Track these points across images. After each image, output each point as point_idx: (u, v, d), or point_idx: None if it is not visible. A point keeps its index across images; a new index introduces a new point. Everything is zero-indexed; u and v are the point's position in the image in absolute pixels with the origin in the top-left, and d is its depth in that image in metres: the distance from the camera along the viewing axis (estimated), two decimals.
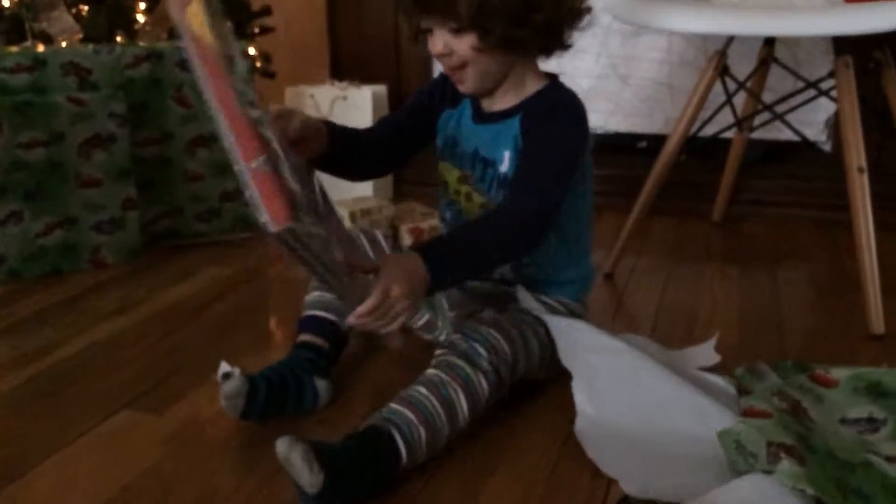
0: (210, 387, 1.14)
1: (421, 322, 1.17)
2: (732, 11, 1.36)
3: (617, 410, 0.97)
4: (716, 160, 1.92)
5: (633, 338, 1.17)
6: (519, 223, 0.99)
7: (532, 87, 1.07)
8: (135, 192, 1.64)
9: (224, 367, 1.11)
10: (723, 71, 1.49)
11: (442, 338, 1.15)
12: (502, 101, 1.08)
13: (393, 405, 0.92)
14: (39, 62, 1.58)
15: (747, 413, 0.88)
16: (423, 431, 0.90)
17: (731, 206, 1.94)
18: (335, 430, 1.00)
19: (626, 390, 0.99)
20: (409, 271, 0.88)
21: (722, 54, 1.48)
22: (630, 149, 2.19)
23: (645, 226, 1.61)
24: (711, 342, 1.20)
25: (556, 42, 1.04)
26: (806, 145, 1.93)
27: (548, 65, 2.17)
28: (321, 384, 1.08)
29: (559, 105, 1.05)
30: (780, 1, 1.48)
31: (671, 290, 1.51)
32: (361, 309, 0.84)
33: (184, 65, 1.71)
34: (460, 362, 0.96)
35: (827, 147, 2.00)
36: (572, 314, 1.14)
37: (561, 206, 1.01)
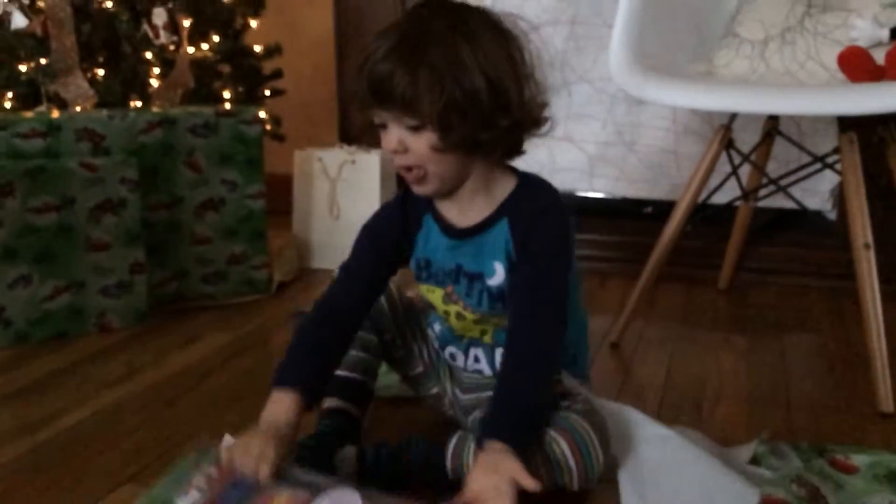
0: None
1: (431, 392, 1.17)
2: (737, 89, 1.38)
3: (662, 501, 0.97)
4: (722, 228, 1.93)
5: (685, 431, 1.15)
6: (547, 357, 0.97)
7: (503, 187, 1.01)
8: (143, 256, 1.66)
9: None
10: (728, 144, 1.50)
11: (448, 411, 1.16)
12: (475, 211, 1.01)
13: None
14: (54, 128, 1.60)
15: (766, 503, 0.87)
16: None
17: (738, 273, 1.94)
18: None
19: (673, 481, 0.99)
20: (498, 471, 0.86)
21: (727, 128, 1.50)
22: (636, 214, 2.20)
23: (651, 292, 1.61)
24: (760, 438, 1.15)
25: (517, 146, 0.99)
26: (811, 214, 1.95)
27: (556, 131, 2.19)
28: (348, 451, 1.04)
29: (543, 211, 0.99)
30: (784, 77, 1.51)
31: (678, 361, 1.50)
32: None
33: (196, 130, 1.74)
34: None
35: (832, 216, 2.01)
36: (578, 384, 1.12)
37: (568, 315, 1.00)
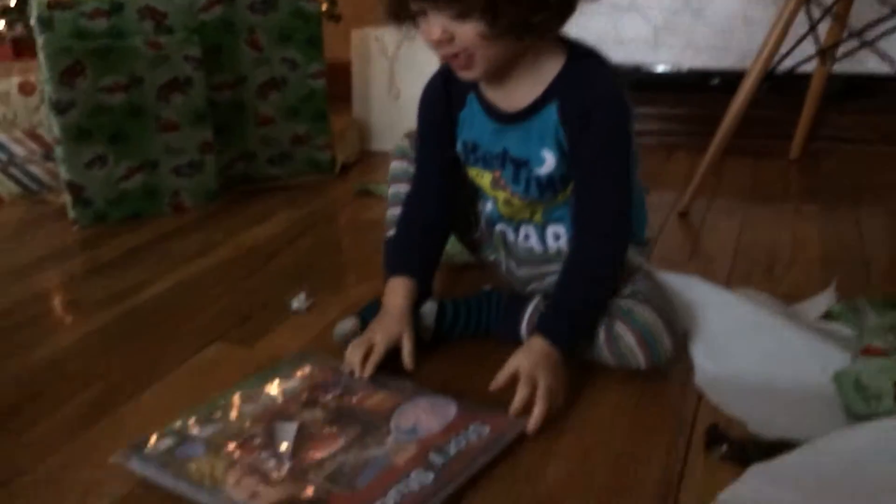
0: (294, 321, 1.18)
1: (490, 259, 1.18)
2: None
3: (737, 362, 0.97)
4: (793, 97, 1.86)
5: (748, 291, 1.14)
6: (608, 263, 0.96)
7: (552, 65, 0.94)
8: (211, 135, 1.67)
9: (301, 299, 1.20)
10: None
11: (507, 280, 1.16)
12: (521, 94, 0.96)
13: None
14: (116, 7, 1.60)
15: (866, 351, 0.87)
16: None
17: (810, 142, 1.88)
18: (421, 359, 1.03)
19: (746, 342, 0.99)
20: (542, 359, 0.89)
21: None
22: (703, 86, 2.13)
23: (719, 165, 1.58)
24: (830, 289, 1.14)
25: (570, 16, 0.90)
26: (888, 79, 1.86)
27: (621, 0, 2.10)
28: (430, 306, 1.06)
29: (599, 98, 0.93)
30: None
31: (748, 229, 1.48)
32: (536, 422, 0.85)
33: (254, 6, 1.72)
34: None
35: None
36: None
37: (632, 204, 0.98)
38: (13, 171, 1.79)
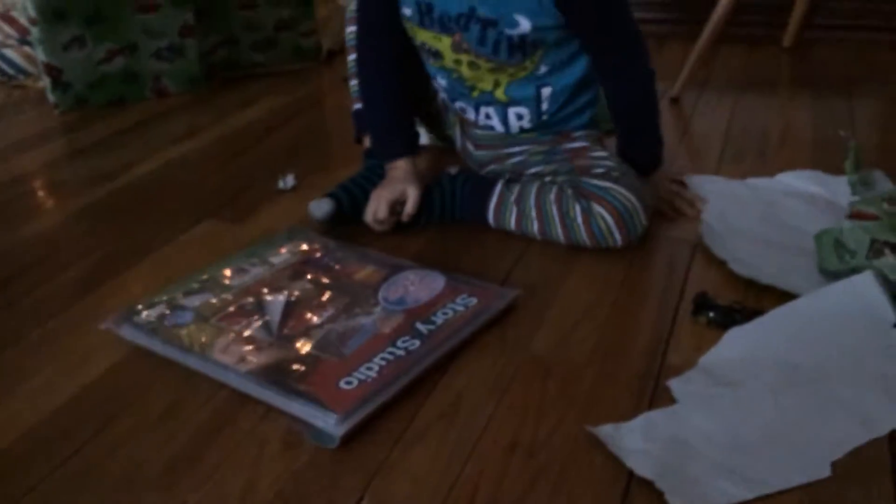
0: (283, 199, 1.18)
1: (447, 133, 1.17)
2: None
3: (738, 222, 1.02)
4: None
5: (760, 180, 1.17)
6: (644, 79, 1.01)
7: None
8: (192, 18, 1.62)
9: (289, 180, 1.20)
10: None
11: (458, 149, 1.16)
12: None
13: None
14: None
15: (855, 215, 0.88)
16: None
17: (804, 30, 1.85)
18: (410, 234, 1.03)
19: (748, 208, 1.05)
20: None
21: None
22: None
23: (711, 54, 1.55)
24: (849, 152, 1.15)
25: None
26: None
27: None
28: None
29: None
30: None
31: (740, 114, 1.47)
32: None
33: None
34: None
35: None
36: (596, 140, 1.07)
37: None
38: None
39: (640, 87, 1.01)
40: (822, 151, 1.27)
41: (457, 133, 1.13)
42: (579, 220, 0.96)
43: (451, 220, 1.06)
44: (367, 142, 1.15)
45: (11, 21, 1.73)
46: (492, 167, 1.10)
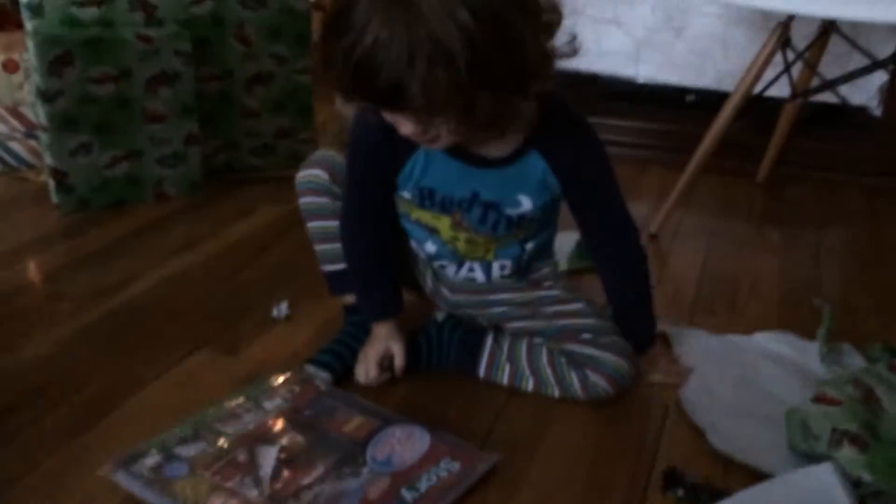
0: (277, 329, 1.23)
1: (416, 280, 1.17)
2: None
3: (716, 386, 1.09)
4: (764, 120, 1.92)
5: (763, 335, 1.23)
6: (637, 259, 1.08)
7: (527, 116, 0.94)
8: (197, 127, 1.69)
9: (283, 308, 1.25)
10: (784, 42, 1.49)
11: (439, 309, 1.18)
12: (497, 143, 0.95)
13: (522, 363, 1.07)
14: None
15: (819, 399, 0.94)
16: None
17: (777, 167, 1.96)
18: (397, 380, 1.09)
19: (726, 370, 1.13)
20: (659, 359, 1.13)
21: (785, 26, 1.48)
22: (678, 102, 2.19)
23: (690, 183, 1.63)
24: (824, 315, 1.23)
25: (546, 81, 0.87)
26: (855, 109, 1.94)
27: (604, 13, 2.14)
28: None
29: (582, 141, 0.98)
30: None
31: (714, 255, 1.56)
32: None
33: (245, 2, 1.73)
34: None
35: (877, 112, 2.00)
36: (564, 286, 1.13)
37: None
38: None
39: (636, 267, 1.08)
40: (786, 307, 1.35)
41: (428, 277, 1.14)
42: (576, 385, 1.05)
43: (438, 367, 1.12)
44: (347, 299, 1.16)
45: (19, 115, 1.79)
46: (471, 311, 1.14)
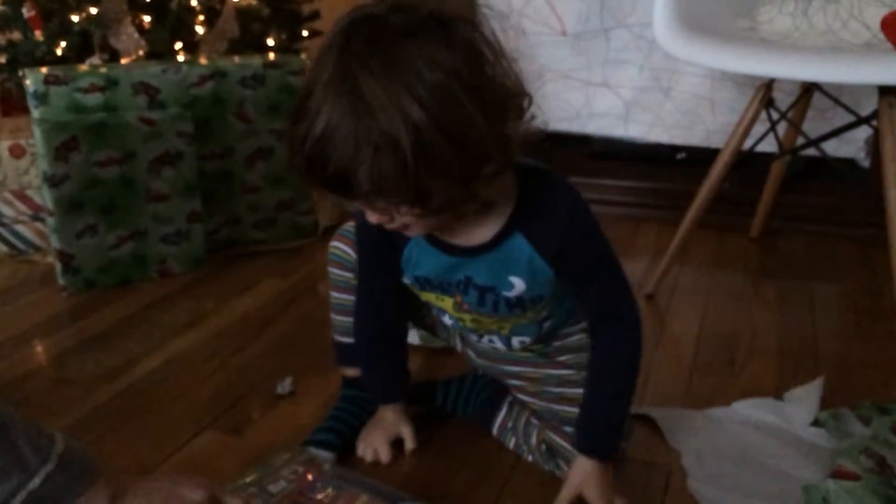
0: (281, 406, 1.24)
1: (443, 337, 1.18)
2: (776, 53, 1.41)
3: (721, 468, 1.08)
4: (755, 176, 1.96)
5: (742, 404, 1.23)
6: (630, 338, 0.99)
7: (506, 197, 0.91)
8: (200, 205, 1.73)
9: (286, 384, 1.27)
10: (768, 103, 1.54)
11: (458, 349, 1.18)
12: (478, 231, 0.93)
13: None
14: (112, 82, 1.66)
15: (837, 474, 0.95)
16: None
17: (770, 221, 1.99)
18: (401, 454, 1.10)
19: (719, 446, 1.12)
20: (602, 479, 0.98)
21: (767, 88, 1.53)
22: (669, 160, 2.24)
23: (685, 239, 1.66)
24: (817, 385, 1.22)
25: (508, 169, 0.86)
26: (844, 161, 1.98)
27: (592, 76, 2.19)
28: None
29: (567, 219, 0.92)
30: (826, 35, 1.53)
31: (711, 313, 1.58)
32: None
33: (245, 82, 1.79)
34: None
35: (865, 163, 2.04)
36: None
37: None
38: (1, 230, 1.83)
39: (624, 354, 0.99)
40: (785, 364, 1.37)
41: (456, 339, 1.16)
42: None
43: (454, 413, 1.17)
44: (349, 371, 1.18)
45: (25, 199, 1.83)
46: (494, 373, 1.16)
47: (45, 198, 1.60)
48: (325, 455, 1.08)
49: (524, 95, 0.82)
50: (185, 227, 1.72)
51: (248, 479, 1.01)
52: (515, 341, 1.07)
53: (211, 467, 1.09)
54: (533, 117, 0.83)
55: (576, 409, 1.02)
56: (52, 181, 1.57)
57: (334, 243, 1.13)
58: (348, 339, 1.14)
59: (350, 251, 1.10)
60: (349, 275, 1.11)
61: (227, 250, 1.87)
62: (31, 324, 1.52)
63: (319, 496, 0.99)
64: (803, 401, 1.19)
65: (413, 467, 1.09)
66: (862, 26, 1.50)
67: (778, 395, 1.24)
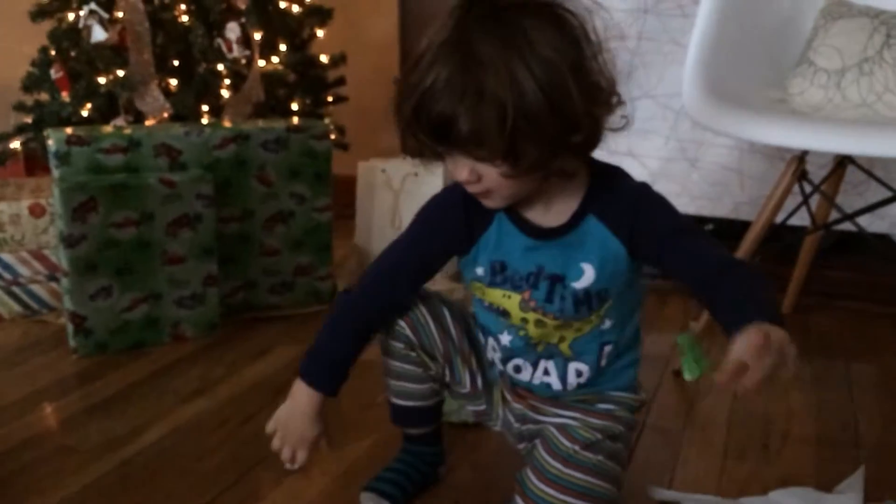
0: (289, 481, 1.18)
1: (478, 409, 1.15)
2: (808, 125, 1.37)
3: None
4: (785, 250, 1.91)
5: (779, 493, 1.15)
6: (747, 271, 0.94)
7: (578, 181, 0.96)
8: (216, 268, 1.70)
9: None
10: (801, 175, 1.50)
11: (497, 428, 1.15)
12: (555, 211, 0.97)
13: None
14: (134, 143, 1.65)
15: None
16: None
17: (802, 297, 1.93)
18: None
19: None
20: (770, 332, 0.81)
21: (801, 160, 1.49)
22: None
23: (712, 320, 1.60)
24: (859, 476, 1.16)
25: (594, 148, 0.92)
26: (878, 237, 1.92)
27: (618, 146, 2.19)
28: (441, 470, 1.19)
29: (635, 194, 0.96)
30: (861, 108, 1.49)
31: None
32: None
33: (267, 145, 1.78)
34: None
35: None
36: (632, 410, 1.08)
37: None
38: (16, 290, 1.80)
39: (745, 271, 0.93)
40: (823, 450, 1.29)
41: (499, 409, 1.13)
42: None
43: None
44: (412, 431, 1.18)
45: (42, 258, 1.81)
46: (524, 445, 1.09)
47: (60, 258, 1.58)
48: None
49: (614, 93, 0.89)
50: (201, 290, 1.69)
51: None
52: (572, 371, 1.04)
53: None
54: (624, 119, 0.91)
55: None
56: (69, 241, 1.55)
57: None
58: (406, 403, 1.14)
59: (408, 332, 1.09)
60: (400, 345, 1.10)
61: (242, 314, 1.83)
62: (38, 387, 1.48)
63: None
64: (845, 492, 1.11)
65: None
66: None
67: (818, 482, 1.16)
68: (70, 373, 1.55)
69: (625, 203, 0.95)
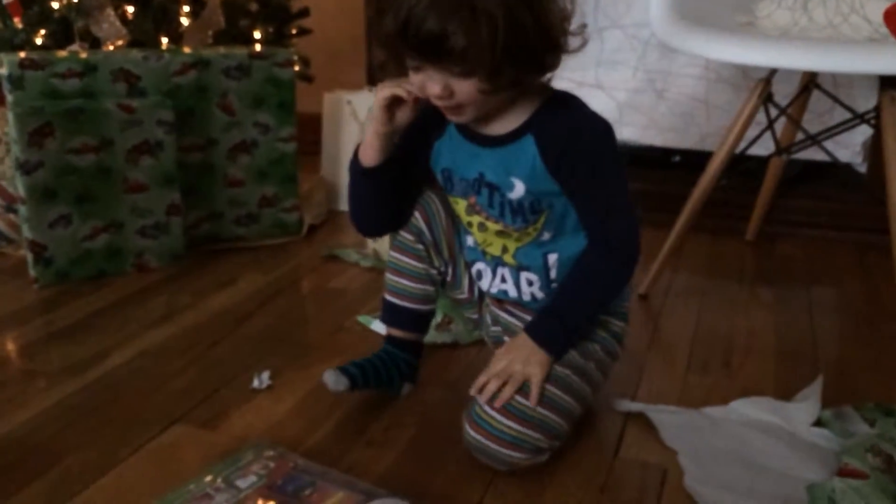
0: (257, 400, 1.18)
1: (472, 317, 1.22)
2: (775, 44, 1.37)
3: (721, 471, 1.01)
4: (750, 179, 1.92)
5: (741, 402, 1.17)
6: (614, 258, 1.01)
7: (531, 102, 0.99)
8: (179, 197, 1.67)
9: (264, 378, 1.22)
10: (766, 98, 1.50)
11: (485, 337, 1.22)
12: (502, 124, 1.00)
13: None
14: (90, 68, 1.60)
15: (843, 472, 0.90)
16: None
17: (766, 225, 1.95)
18: (382, 449, 1.04)
19: (716, 446, 1.06)
20: (525, 355, 1.01)
21: (767, 82, 1.49)
22: (664, 163, 2.20)
23: (679, 242, 1.62)
24: (816, 386, 1.16)
25: (556, 68, 0.95)
26: (840, 166, 1.94)
27: (586, 77, 2.17)
28: (405, 387, 1.18)
29: (575, 130, 0.97)
30: (826, 30, 1.49)
31: (706, 313, 1.53)
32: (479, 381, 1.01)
33: (229, 72, 1.74)
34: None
35: (862, 168, 2.00)
36: (619, 335, 1.13)
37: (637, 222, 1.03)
38: None
39: (607, 257, 1.01)
40: (782, 365, 1.32)
41: (486, 318, 1.19)
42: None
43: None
44: (395, 332, 1.19)
45: (0, 190, 1.77)
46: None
47: (17, 185, 1.54)
48: (342, 380, 1.08)
49: (574, 7, 0.93)
50: (164, 220, 1.66)
51: (212, 474, 0.95)
52: (524, 280, 1.09)
53: (182, 461, 1.02)
54: (581, 26, 0.93)
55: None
56: (25, 168, 1.51)
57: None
58: (398, 301, 1.17)
59: (419, 219, 1.13)
60: (411, 237, 1.14)
61: (207, 246, 1.80)
62: None
63: (290, 492, 0.93)
64: (804, 401, 1.14)
65: (391, 465, 1.02)
66: (863, 20, 1.46)
67: (777, 393, 1.19)
68: (31, 302, 1.52)
69: (563, 130, 0.97)
